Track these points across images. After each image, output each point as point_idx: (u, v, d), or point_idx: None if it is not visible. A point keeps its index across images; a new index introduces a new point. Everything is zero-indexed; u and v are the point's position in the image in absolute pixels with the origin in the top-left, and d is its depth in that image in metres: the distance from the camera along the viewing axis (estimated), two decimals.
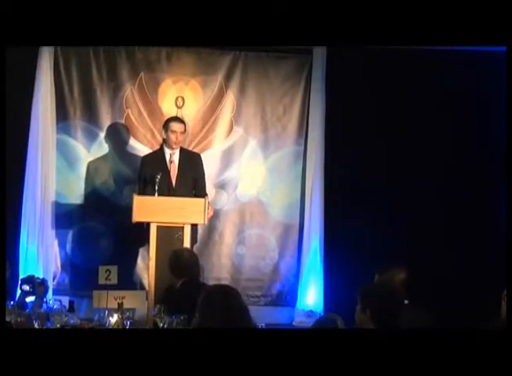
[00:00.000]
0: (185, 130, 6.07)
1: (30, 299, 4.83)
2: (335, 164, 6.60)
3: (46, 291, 4.87)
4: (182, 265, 4.90)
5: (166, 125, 6.03)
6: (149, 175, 5.77)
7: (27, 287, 4.82)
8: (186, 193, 5.85)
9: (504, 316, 3.48)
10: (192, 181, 5.98)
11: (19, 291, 4.94)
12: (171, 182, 5.94)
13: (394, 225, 6.49)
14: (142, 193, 5.79)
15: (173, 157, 6.01)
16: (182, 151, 6.08)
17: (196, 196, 5.80)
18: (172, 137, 5.95)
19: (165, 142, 6.04)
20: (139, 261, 6.38)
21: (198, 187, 6.00)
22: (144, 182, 5.86)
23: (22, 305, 4.65)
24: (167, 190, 5.86)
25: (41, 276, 5.35)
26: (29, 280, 4.89)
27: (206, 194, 5.97)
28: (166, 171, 5.92)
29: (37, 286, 4.79)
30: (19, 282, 4.89)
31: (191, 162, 6.07)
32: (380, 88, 6.53)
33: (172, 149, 6.00)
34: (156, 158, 6.02)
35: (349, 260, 6.30)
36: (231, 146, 6.75)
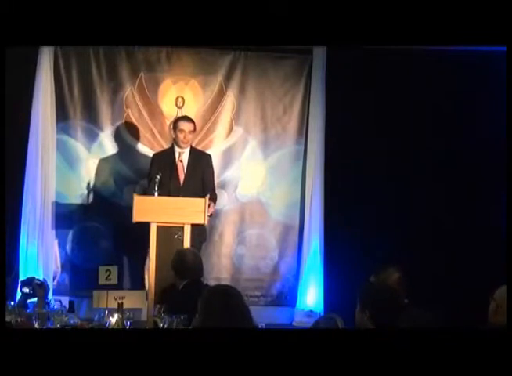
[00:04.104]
0: (194, 129, 6.06)
1: (31, 300, 4.83)
2: (335, 164, 6.60)
3: (47, 293, 4.86)
4: (187, 266, 4.90)
5: (175, 124, 6.04)
6: (156, 173, 5.76)
7: (27, 290, 4.82)
8: (194, 192, 5.82)
9: (491, 317, 3.49)
10: (200, 181, 5.96)
11: (19, 293, 4.94)
12: (179, 181, 5.94)
13: (395, 225, 6.49)
14: (150, 190, 5.78)
15: (182, 156, 6.01)
16: (192, 151, 6.08)
17: (204, 196, 5.75)
18: (180, 136, 5.95)
19: (175, 141, 6.05)
20: (139, 261, 6.36)
21: (206, 187, 5.96)
22: (152, 179, 5.85)
23: (22, 306, 4.64)
24: (175, 189, 5.85)
25: (41, 278, 5.34)
26: (29, 282, 4.88)
27: (215, 196, 5.97)
28: (174, 170, 5.94)
29: (37, 288, 4.78)
30: (20, 284, 4.89)
31: (200, 162, 6.05)
32: (380, 88, 6.53)
33: (181, 148, 6.00)
34: (166, 157, 6.03)
35: (349, 260, 6.31)
36: (231, 146, 6.75)
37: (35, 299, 4.80)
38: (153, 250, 5.47)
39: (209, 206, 5.60)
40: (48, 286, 4.97)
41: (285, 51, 6.63)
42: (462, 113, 6.63)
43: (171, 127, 6.21)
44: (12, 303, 4.39)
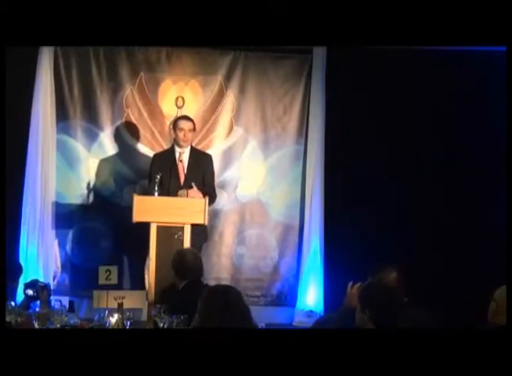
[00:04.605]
0: (194, 128, 6.05)
1: (34, 302, 4.82)
2: (335, 164, 6.60)
3: (50, 295, 4.84)
4: (187, 266, 4.90)
5: (174, 124, 6.04)
6: (156, 173, 5.75)
7: (30, 292, 4.80)
8: None
9: (491, 317, 3.50)
10: (201, 181, 5.96)
11: (22, 295, 4.92)
12: (179, 181, 5.94)
13: (395, 225, 6.49)
14: (150, 190, 5.77)
15: (182, 155, 6.00)
16: (193, 150, 6.08)
17: (204, 196, 5.75)
18: (180, 135, 5.95)
19: (175, 140, 6.05)
20: (139, 261, 6.35)
21: (206, 187, 5.94)
22: (152, 180, 5.85)
23: (25, 308, 4.62)
24: (175, 189, 5.85)
25: (44, 280, 5.32)
26: (32, 284, 4.87)
27: (215, 195, 5.98)
28: (174, 170, 5.93)
29: (41, 291, 4.77)
30: (23, 286, 4.88)
31: (200, 162, 6.04)
32: (380, 87, 6.53)
33: (181, 147, 6.00)
34: (166, 157, 6.03)
35: (349, 260, 6.30)
36: (231, 146, 6.75)
37: (37, 301, 4.79)
38: (153, 250, 5.47)
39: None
40: (51, 289, 4.95)
41: (285, 51, 6.63)
42: (462, 113, 6.62)
43: (171, 126, 6.21)
44: (13, 303, 4.37)
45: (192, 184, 5.73)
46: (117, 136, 6.66)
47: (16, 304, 4.43)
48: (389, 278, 4.27)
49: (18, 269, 5.00)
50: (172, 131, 6.12)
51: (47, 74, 6.47)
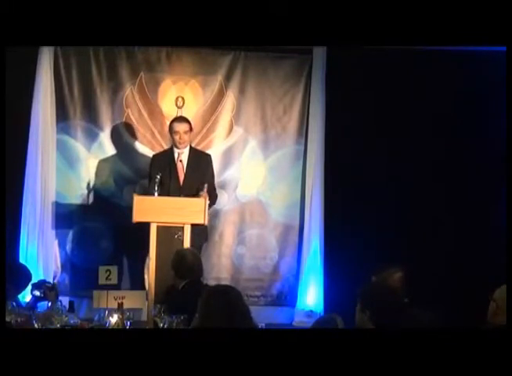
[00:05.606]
0: (190, 129, 6.01)
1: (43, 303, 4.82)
2: (335, 164, 6.59)
3: (58, 295, 4.84)
4: (186, 266, 4.90)
5: (170, 126, 6.03)
6: (156, 173, 5.75)
7: (37, 293, 4.79)
8: (194, 192, 5.80)
9: (491, 317, 3.50)
10: (200, 181, 5.95)
11: (28, 295, 4.92)
12: (179, 181, 5.93)
13: (395, 225, 6.49)
14: (150, 190, 5.77)
15: (181, 156, 5.99)
16: (192, 151, 6.07)
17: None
18: (176, 137, 5.94)
19: (173, 142, 6.03)
20: (139, 261, 6.36)
21: (207, 187, 5.93)
22: (152, 180, 5.84)
23: (32, 309, 4.61)
24: (175, 189, 5.85)
25: (51, 281, 5.32)
26: (40, 285, 4.86)
27: (216, 195, 5.97)
28: (174, 170, 5.93)
29: (48, 291, 4.77)
30: (30, 287, 4.87)
31: (200, 162, 6.03)
32: (380, 87, 6.53)
33: (179, 149, 6.00)
34: (165, 157, 6.02)
35: (349, 260, 6.31)
36: (231, 146, 6.75)
37: (44, 302, 4.79)
38: (153, 250, 5.47)
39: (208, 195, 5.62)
40: (58, 289, 4.93)
41: (285, 51, 6.63)
42: (462, 114, 6.62)
43: (168, 129, 6.18)
44: (14, 303, 4.36)
45: (205, 186, 5.72)
46: (117, 136, 6.66)
47: (18, 304, 4.42)
48: (393, 278, 4.28)
49: (27, 277, 4.96)
50: (168, 134, 6.11)
51: (47, 74, 6.47)
